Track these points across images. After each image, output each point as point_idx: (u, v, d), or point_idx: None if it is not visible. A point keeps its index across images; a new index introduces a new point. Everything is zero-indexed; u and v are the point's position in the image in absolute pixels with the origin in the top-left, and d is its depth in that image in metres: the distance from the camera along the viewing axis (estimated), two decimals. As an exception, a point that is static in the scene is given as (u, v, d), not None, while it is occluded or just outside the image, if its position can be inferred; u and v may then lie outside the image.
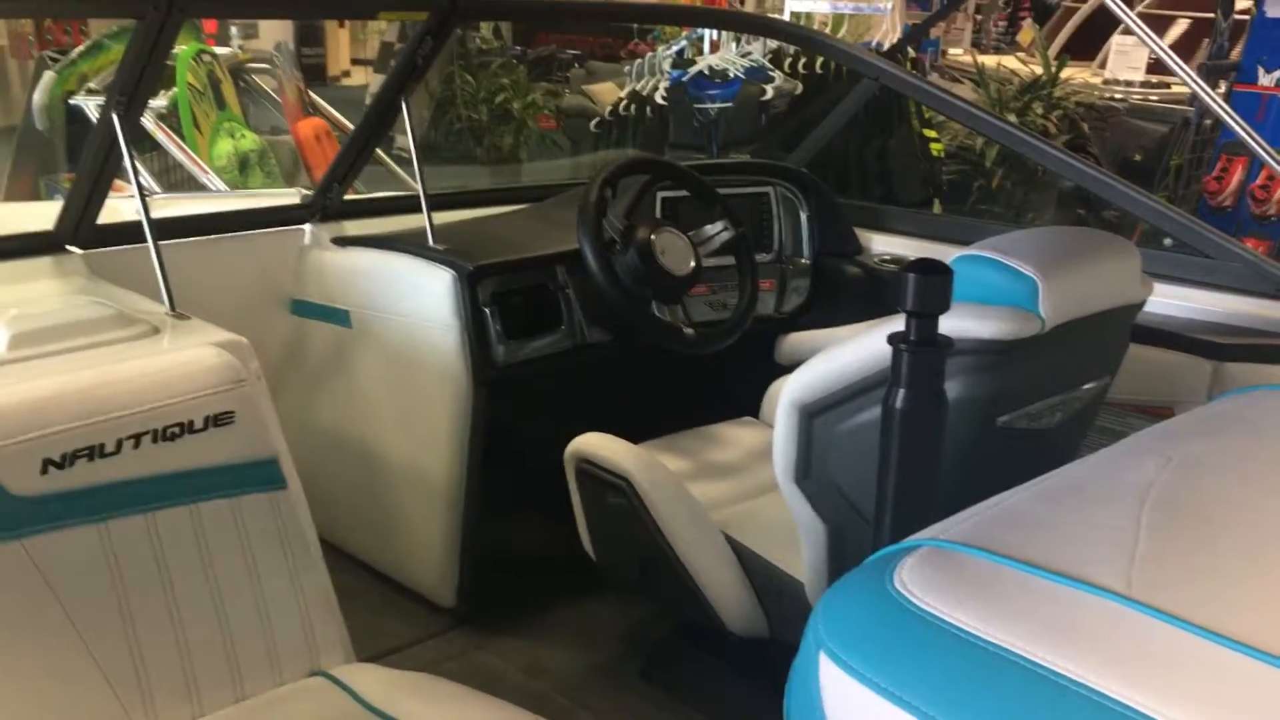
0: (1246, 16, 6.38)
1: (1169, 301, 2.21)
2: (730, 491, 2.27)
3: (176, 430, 1.60)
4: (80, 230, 2.24)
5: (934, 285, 1.27)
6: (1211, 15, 6.97)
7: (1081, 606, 0.85)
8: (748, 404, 2.60)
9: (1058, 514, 1.01)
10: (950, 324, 1.43)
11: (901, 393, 1.31)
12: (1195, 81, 2.45)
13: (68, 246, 2.24)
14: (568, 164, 8.16)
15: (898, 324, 1.33)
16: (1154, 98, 7.19)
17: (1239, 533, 0.99)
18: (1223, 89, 6.15)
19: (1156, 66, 7.27)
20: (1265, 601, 0.87)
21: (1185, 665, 0.79)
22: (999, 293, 1.58)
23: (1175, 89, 7.08)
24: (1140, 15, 8.50)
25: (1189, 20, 8.19)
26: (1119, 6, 2.54)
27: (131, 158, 2.05)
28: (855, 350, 1.63)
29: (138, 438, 1.56)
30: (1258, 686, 0.77)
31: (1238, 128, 2.32)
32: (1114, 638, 0.82)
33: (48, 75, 5.22)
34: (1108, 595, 0.86)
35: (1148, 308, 1.87)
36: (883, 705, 0.81)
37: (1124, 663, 0.79)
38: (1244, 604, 0.86)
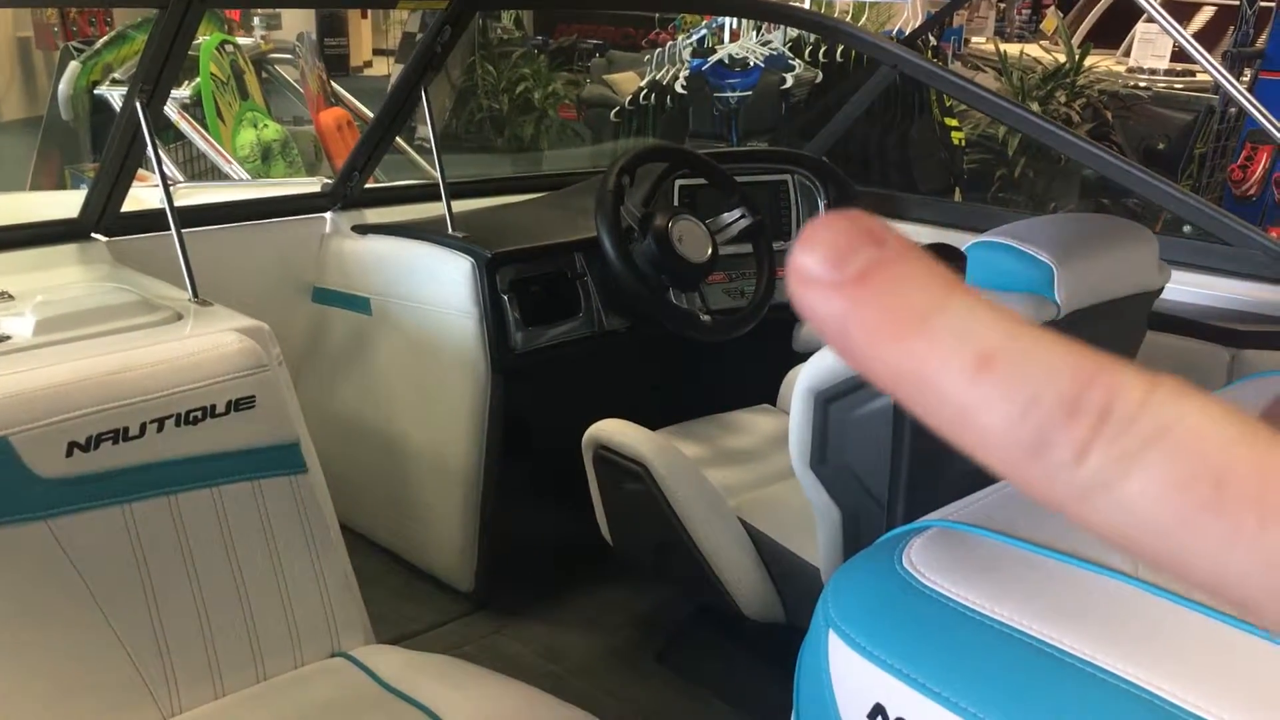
0: (1272, 4, 6.31)
1: (1188, 289, 2.20)
2: (747, 477, 2.27)
3: (199, 414, 1.62)
4: (104, 218, 2.27)
5: (946, 270, 1.28)
6: (1236, 2, 6.90)
7: (1088, 586, 0.86)
8: (765, 391, 2.61)
9: (1067, 496, 1.02)
10: (965, 310, 1.43)
11: (914, 377, 1.32)
12: (1218, 70, 2.44)
13: (92, 234, 2.27)
14: (588, 153, 8.17)
15: None
16: (1178, 85, 7.13)
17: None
18: (1248, 77, 6.09)
19: (1181, 54, 7.21)
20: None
21: (1192, 643, 0.80)
22: (1015, 279, 1.58)
23: (1200, 77, 7.03)
24: (1164, 2, 8.43)
25: (1214, 7, 8.11)
26: (1140, -6, 2.52)
27: (155, 146, 2.07)
28: (870, 336, 1.64)
29: (161, 421, 1.58)
30: (1265, 664, 0.77)
31: (1260, 116, 2.31)
32: (1121, 616, 0.82)
33: (72, 65, 5.27)
34: (1115, 575, 0.86)
35: (1166, 295, 1.87)
36: (889, 681, 0.82)
37: (1131, 640, 0.80)
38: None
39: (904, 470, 1.36)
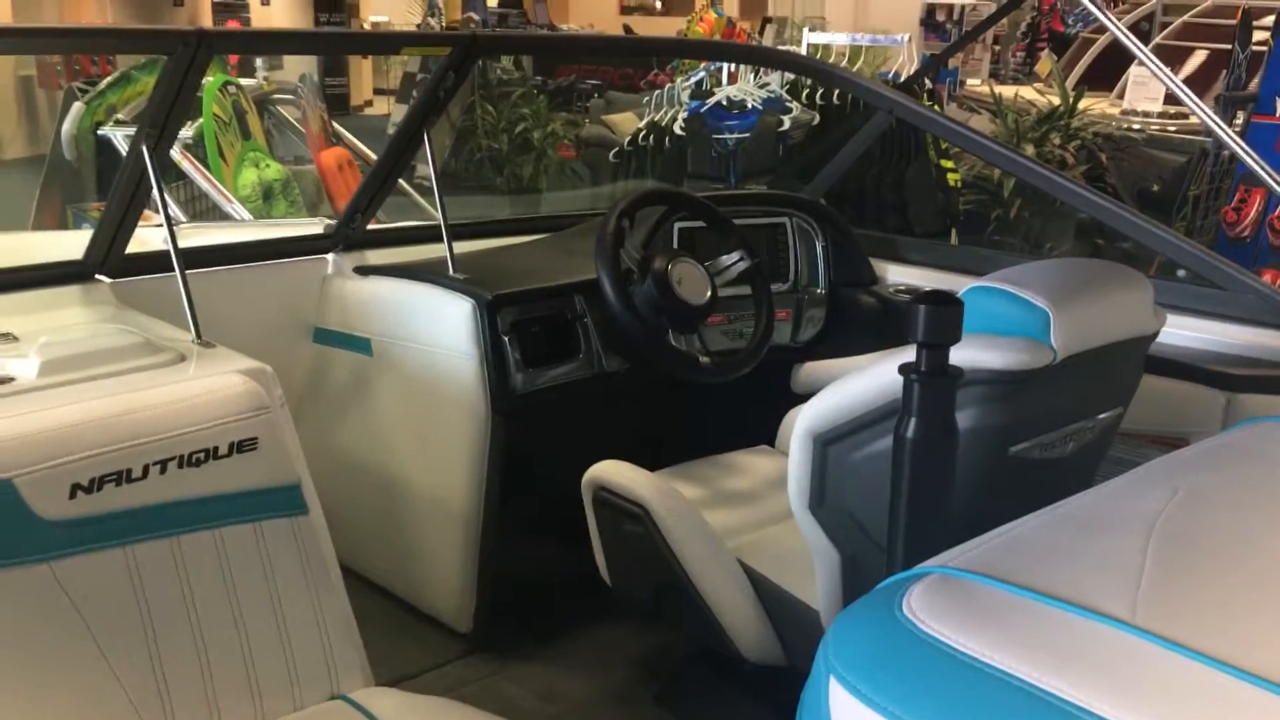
0: (1264, 48, 6.40)
1: (1183, 333, 2.22)
2: (746, 519, 2.28)
3: (201, 456, 1.63)
4: (109, 259, 2.28)
5: (944, 316, 1.29)
6: (1229, 47, 6.98)
7: (1086, 634, 0.87)
8: (763, 432, 2.61)
9: (1064, 543, 1.03)
10: (962, 354, 1.45)
11: (912, 422, 1.33)
12: (1207, 114, 2.47)
13: (96, 275, 2.29)
14: (588, 194, 8.23)
15: (911, 354, 1.35)
16: (1172, 128, 7.20)
17: (1244, 564, 1.00)
18: (1240, 120, 6.15)
19: (1175, 97, 7.27)
20: (1269, 631, 0.88)
21: (1189, 692, 0.80)
22: (1011, 323, 1.60)
23: (1193, 119, 7.09)
24: (1158, 46, 8.54)
25: (1207, 51, 8.20)
26: (1133, 43, 2.56)
27: (161, 190, 2.09)
28: (868, 380, 1.65)
29: (164, 463, 1.59)
30: (1262, 714, 0.78)
31: (1250, 160, 2.33)
32: (1118, 665, 0.83)
33: (76, 106, 5.32)
34: (1113, 623, 0.87)
35: (1162, 338, 1.88)
36: (890, 729, 0.83)
37: (1128, 690, 0.80)
38: (1247, 633, 0.88)
39: (903, 514, 1.36)
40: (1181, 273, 2.64)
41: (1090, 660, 0.83)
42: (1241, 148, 2.42)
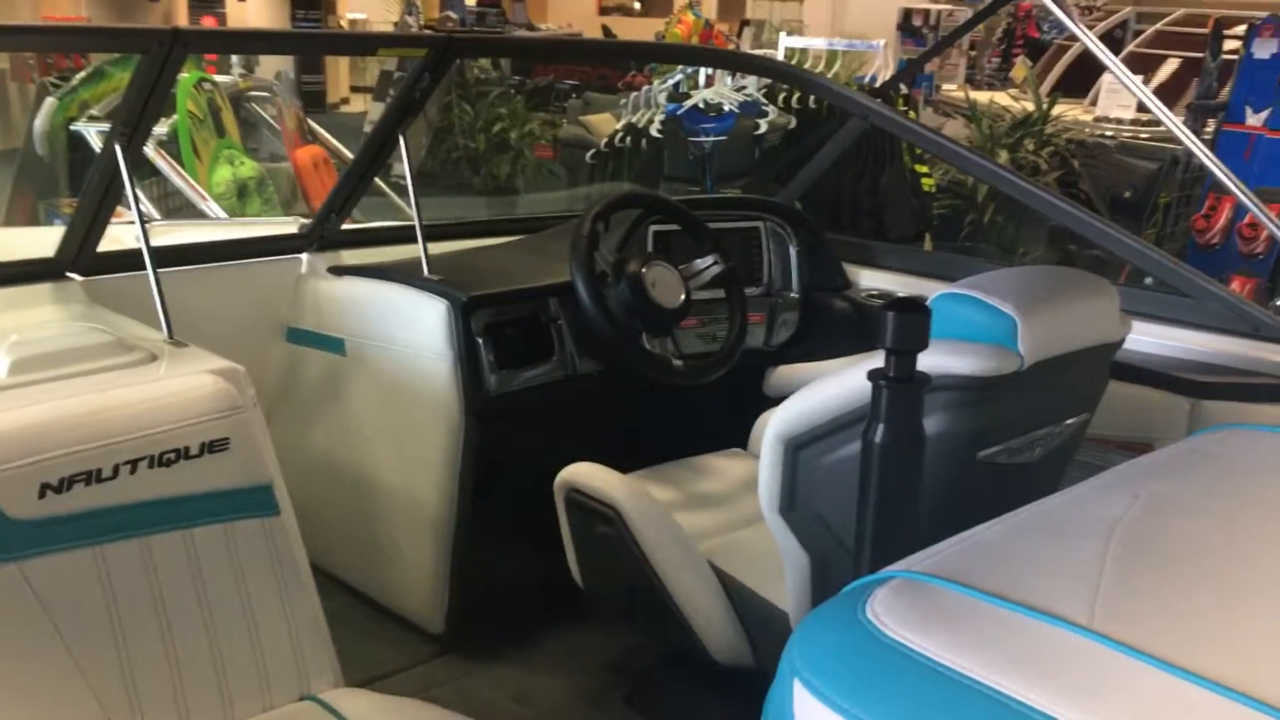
0: (1234, 57, 6.48)
1: (1149, 339, 2.25)
2: (717, 522, 2.29)
3: (172, 456, 1.63)
4: (81, 257, 2.27)
5: (912, 323, 1.31)
6: (1200, 55, 7.06)
7: (1044, 637, 0.88)
8: (736, 435, 2.63)
9: (1026, 548, 1.04)
10: (931, 360, 1.47)
11: (880, 428, 1.35)
12: (1176, 124, 2.51)
13: (68, 273, 2.28)
14: (564, 194, 8.24)
15: (882, 359, 1.37)
16: (1144, 135, 7.27)
17: (1201, 569, 1.02)
18: (1211, 128, 6.23)
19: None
20: (1224, 637, 0.90)
21: (1142, 696, 0.82)
22: (979, 330, 1.62)
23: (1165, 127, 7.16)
24: (1130, 55, 8.61)
25: (1179, 60, 8.29)
26: (1103, 52, 2.60)
27: (133, 188, 2.09)
28: (838, 385, 1.67)
29: (134, 463, 1.59)
30: (1211, 717, 0.80)
31: (1216, 169, 2.37)
32: (1074, 668, 0.85)
33: (49, 101, 5.27)
34: (1070, 627, 0.89)
35: (1128, 345, 1.91)
36: (853, 731, 0.84)
37: (1083, 692, 0.82)
38: (1201, 637, 0.90)
39: (870, 518, 1.38)
40: (1149, 280, 2.68)
41: (1047, 663, 0.85)
42: (1207, 156, 2.45)
